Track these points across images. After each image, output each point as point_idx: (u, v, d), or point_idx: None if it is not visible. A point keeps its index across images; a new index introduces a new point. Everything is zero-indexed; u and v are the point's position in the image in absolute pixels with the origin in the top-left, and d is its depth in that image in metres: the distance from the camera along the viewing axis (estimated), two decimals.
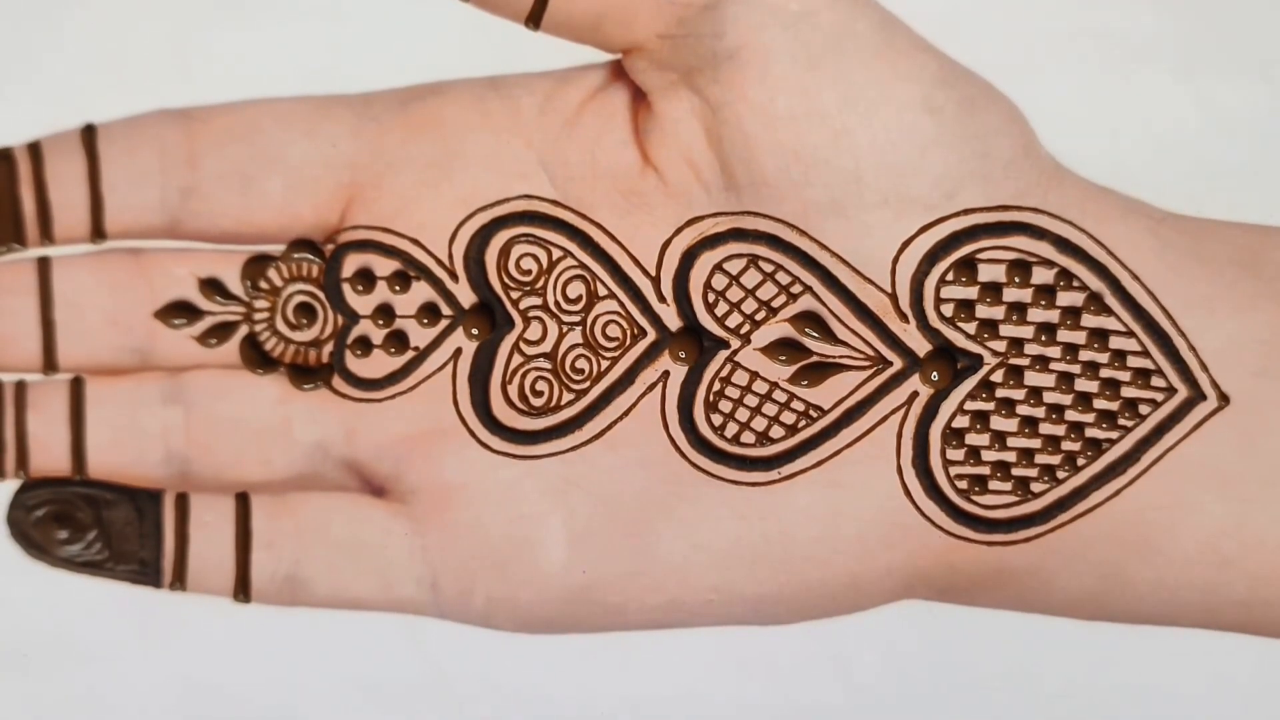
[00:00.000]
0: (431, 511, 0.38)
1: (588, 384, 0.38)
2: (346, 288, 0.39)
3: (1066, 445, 0.37)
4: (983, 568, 0.37)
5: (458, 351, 0.38)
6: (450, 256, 0.38)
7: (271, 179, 0.38)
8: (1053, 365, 0.36)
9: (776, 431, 0.37)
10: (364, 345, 0.39)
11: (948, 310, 0.36)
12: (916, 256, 0.36)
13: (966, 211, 0.36)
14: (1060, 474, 0.37)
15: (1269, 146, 0.35)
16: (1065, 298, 0.36)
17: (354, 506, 0.39)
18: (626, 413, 0.38)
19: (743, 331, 0.37)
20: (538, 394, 0.38)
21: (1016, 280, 0.36)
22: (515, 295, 0.38)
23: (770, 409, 0.37)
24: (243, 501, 0.39)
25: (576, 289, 0.38)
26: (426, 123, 0.38)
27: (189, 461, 0.39)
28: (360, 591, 0.39)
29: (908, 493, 0.37)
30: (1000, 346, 0.37)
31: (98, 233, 0.39)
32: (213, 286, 0.39)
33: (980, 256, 0.36)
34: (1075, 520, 0.37)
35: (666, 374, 0.38)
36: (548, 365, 0.38)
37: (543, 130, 0.38)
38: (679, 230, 0.37)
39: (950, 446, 0.37)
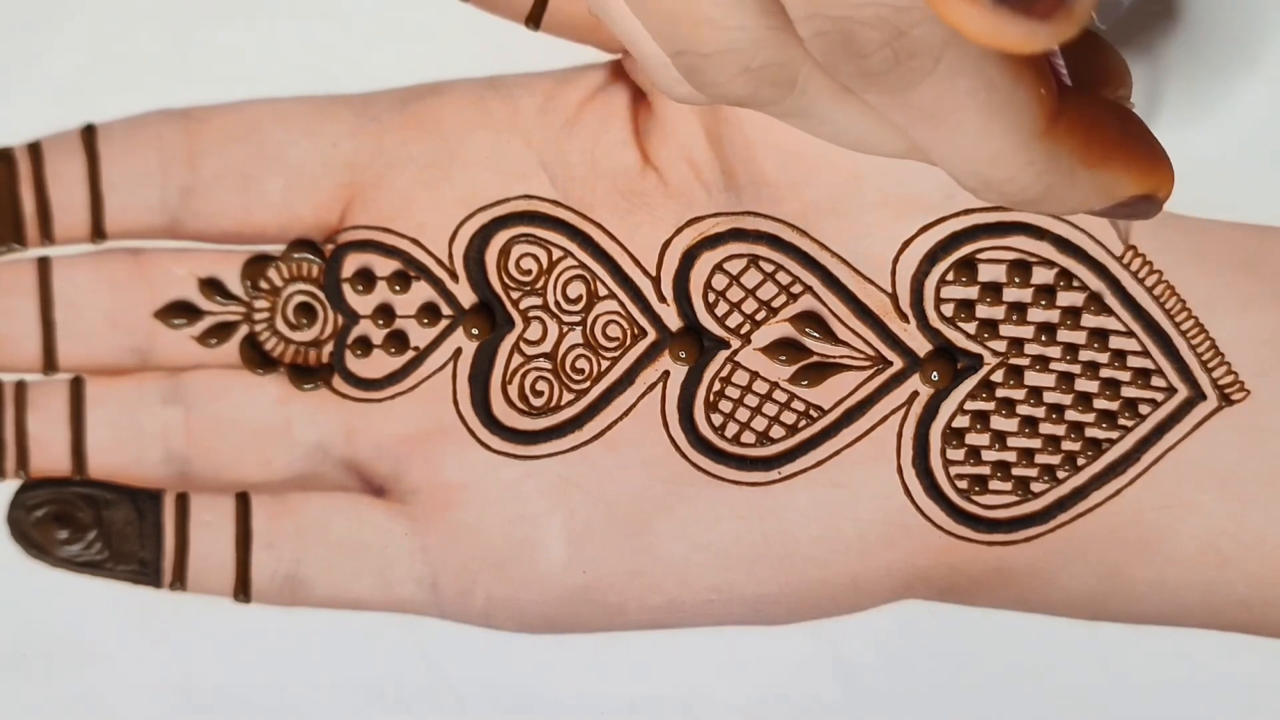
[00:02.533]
0: (431, 511, 0.38)
1: (588, 384, 0.38)
2: (346, 288, 0.39)
3: (1067, 445, 0.37)
4: (983, 568, 0.37)
5: (458, 351, 0.38)
6: (450, 256, 0.38)
7: (271, 179, 0.38)
8: (1053, 365, 0.37)
9: (777, 431, 0.37)
10: (364, 345, 0.39)
11: (948, 310, 0.37)
12: (917, 256, 0.36)
13: (966, 211, 0.36)
14: (1060, 474, 0.37)
15: (1269, 146, 0.35)
16: (1065, 298, 0.36)
17: (354, 507, 0.39)
18: (626, 413, 0.38)
19: (743, 331, 0.37)
20: (538, 394, 0.38)
21: (1016, 280, 0.36)
22: (515, 295, 0.38)
23: (770, 409, 0.37)
24: (243, 501, 0.39)
25: (576, 289, 0.38)
26: (426, 123, 0.38)
27: (189, 461, 0.39)
28: (360, 591, 0.39)
29: (908, 493, 0.37)
30: (1000, 346, 0.37)
31: (98, 233, 0.39)
32: (213, 286, 0.39)
33: (980, 256, 0.36)
34: (1075, 520, 0.37)
35: (666, 374, 0.38)
36: (548, 365, 0.38)
37: (543, 130, 0.38)
38: (679, 230, 0.37)
39: (950, 446, 0.37)
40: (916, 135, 0.26)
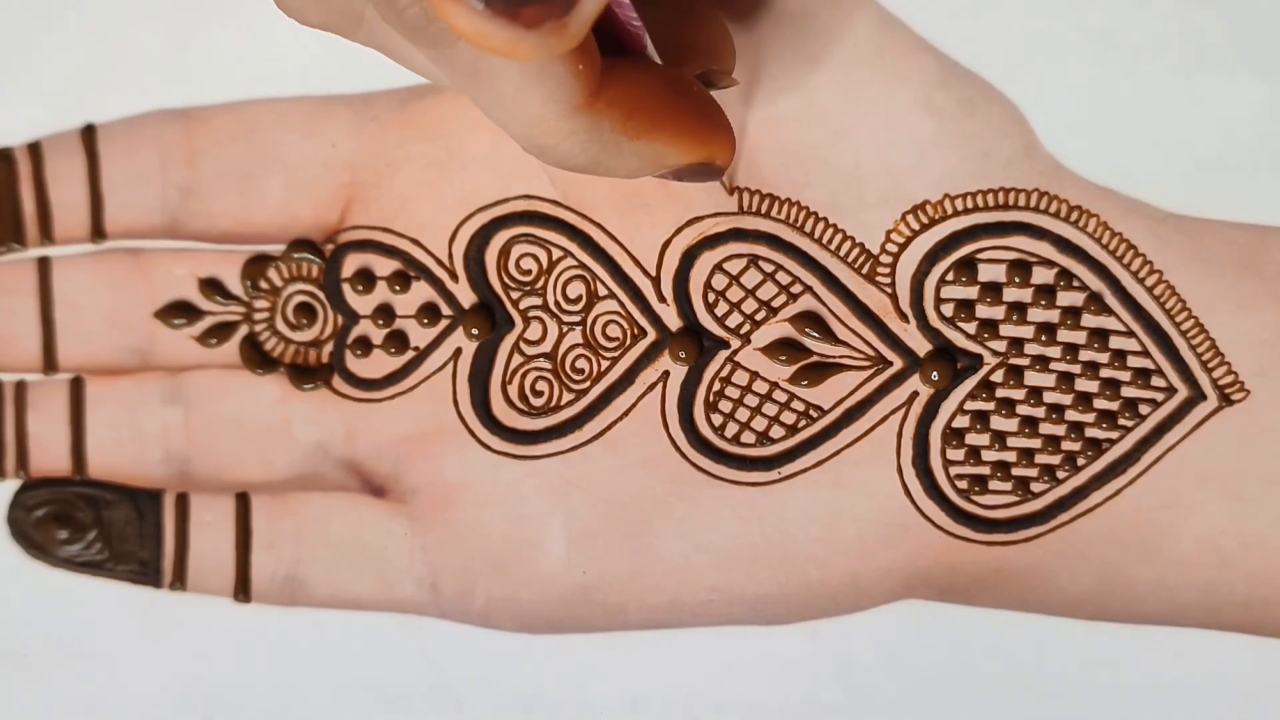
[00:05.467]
0: (431, 512, 0.38)
1: (588, 384, 0.38)
2: (346, 288, 0.39)
3: (1066, 445, 0.37)
4: (983, 568, 0.37)
5: (458, 351, 0.38)
6: (450, 256, 0.38)
7: (271, 179, 0.38)
8: (1053, 365, 0.36)
9: (777, 431, 0.37)
10: (364, 345, 0.39)
11: (948, 310, 0.36)
12: (916, 256, 0.36)
13: (967, 211, 0.36)
14: (1060, 474, 0.37)
15: (1269, 146, 0.35)
16: (1065, 298, 0.36)
17: (354, 507, 0.39)
18: (626, 413, 0.38)
19: (743, 331, 0.37)
20: (538, 394, 0.38)
21: (1016, 280, 0.36)
22: (515, 295, 0.38)
23: (770, 409, 0.37)
24: (243, 501, 0.39)
25: (576, 289, 0.38)
26: (426, 123, 0.38)
27: (189, 461, 0.39)
28: (360, 591, 0.39)
29: (908, 493, 0.37)
30: (1000, 346, 0.37)
31: (98, 233, 0.39)
32: (213, 286, 0.39)
33: (980, 256, 0.36)
34: (1075, 520, 0.37)
35: (666, 374, 0.38)
36: (548, 365, 0.38)
37: None
38: (679, 230, 0.37)
39: (950, 446, 0.37)
40: (466, 91, 0.26)
